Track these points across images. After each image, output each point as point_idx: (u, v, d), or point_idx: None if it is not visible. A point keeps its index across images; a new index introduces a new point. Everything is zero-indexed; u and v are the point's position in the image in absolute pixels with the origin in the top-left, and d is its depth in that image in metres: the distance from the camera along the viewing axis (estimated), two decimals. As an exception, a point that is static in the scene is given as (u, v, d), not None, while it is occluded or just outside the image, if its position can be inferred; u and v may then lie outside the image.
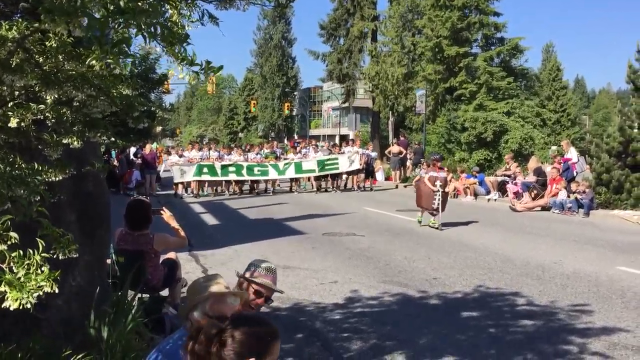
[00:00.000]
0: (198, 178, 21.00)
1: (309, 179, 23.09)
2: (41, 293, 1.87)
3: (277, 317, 6.30)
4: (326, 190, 22.55)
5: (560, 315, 6.19)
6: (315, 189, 22.48)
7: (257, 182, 22.54)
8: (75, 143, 2.51)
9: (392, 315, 6.35)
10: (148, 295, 5.32)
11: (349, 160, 22.00)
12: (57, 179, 2.59)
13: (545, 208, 15.88)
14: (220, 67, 2.28)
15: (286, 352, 5.00)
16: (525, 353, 5.05)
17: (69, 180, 2.92)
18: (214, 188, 22.22)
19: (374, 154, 24.16)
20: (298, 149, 25.92)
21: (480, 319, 6.13)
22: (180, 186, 21.35)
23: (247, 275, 3.49)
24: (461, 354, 5.07)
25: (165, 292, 5.82)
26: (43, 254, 1.97)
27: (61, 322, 3.79)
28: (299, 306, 6.68)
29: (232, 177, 21.48)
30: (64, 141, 2.50)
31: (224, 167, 21.13)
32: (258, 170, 21.61)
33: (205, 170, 20.98)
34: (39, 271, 1.90)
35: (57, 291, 1.89)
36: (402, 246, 10.42)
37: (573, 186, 15.51)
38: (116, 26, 1.90)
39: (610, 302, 6.70)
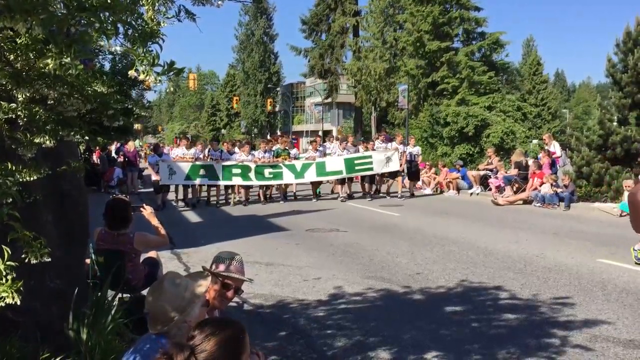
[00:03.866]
0: (192, 181, 16.56)
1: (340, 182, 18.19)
2: (3, 304, 1.82)
3: (260, 314, 6.27)
4: (351, 197, 18.12)
5: (543, 308, 6.23)
6: (342, 196, 17.81)
7: (268, 187, 17.83)
8: (48, 142, 2.45)
9: (376, 311, 6.34)
10: (129, 296, 5.26)
11: (385, 158, 17.59)
12: (31, 179, 2.53)
13: (526, 201, 15.99)
14: (182, 69, 2.24)
15: (269, 351, 4.97)
16: (508, 347, 5.06)
17: (44, 180, 2.87)
18: (209, 195, 17.48)
19: (416, 150, 19.07)
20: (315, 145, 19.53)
21: (464, 313, 6.14)
22: (162, 195, 16.54)
23: (213, 269, 3.47)
24: (445, 349, 5.07)
25: (146, 292, 5.75)
26: (8, 262, 1.91)
27: (39, 325, 3.72)
28: (282, 303, 6.65)
29: (237, 181, 16.83)
30: (37, 140, 2.44)
31: (226, 168, 16.56)
32: (270, 173, 16.99)
33: (201, 171, 16.37)
34: (3, 280, 1.84)
35: (18, 302, 1.84)
36: (386, 241, 10.43)
37: (551, 179, 15.61)
38: (77, 24, 1.85)
39: (592, 294, 6.75)
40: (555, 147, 17.99)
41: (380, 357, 4.95)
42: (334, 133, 40.56)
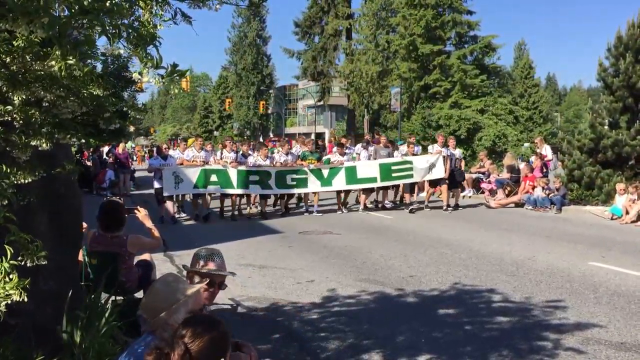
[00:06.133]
0: (202, 190, 14.05)
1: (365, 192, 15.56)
2: (9, 301, 1.83)
3: (253, 317, 6.27)
4: (384, 207, 15.82)
5: (535, 311, 6.26)
6: (362, 206, 15.46)
7: (289, 196, 15.36)
8: (44, 145, 2.45)
9: (369, 313, 6.35)
10: (122, 298, 5.24)
11: (427, 163, 15.01)
12: (26, 181, 2.53)
13: (518, 204, 16.05)
14: (186, 71, 2.25)
15: (263, 353, 4.96)
16: (501, 350, 5.09)
17: (39, 182, 2.86)
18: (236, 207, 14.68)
19: (457, 153, 16.37)
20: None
21: (457, 316, 6.16)
22: (169, 204, 13.90)
23: (198, 268, 3.48)
24: (438, 352, 5.09)
25: (140, 294, 5.74)
26: (12, 261, 1.92)
27: (33, 327, 3.70)
28: (276, 306, 6.65)
29: (255, 189, 14.36)
30: (33, 143, 2.43)
31: (241, 173, 14.12)
32: (292, 180, 14.52)
33: (213, 177, 13.95)
34: (7, 279, 1.85)
35: (25, 299, 1.84)
36: (379, 244, 10.45)
37: (542, 182, 15.67)
38: (79, 27, 1.85)
39: (583, 297, 6.79)
40: (546, 151, 18.07)
41: (373, 359, 4.96)
42: (327, 135, 40.62)
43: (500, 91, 35.44)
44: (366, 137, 19.25)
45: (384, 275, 8.09)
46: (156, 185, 14.00)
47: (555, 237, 11.03)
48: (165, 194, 13.62)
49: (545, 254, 9.35)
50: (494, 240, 10.76)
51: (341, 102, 52.49)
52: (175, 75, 2.16)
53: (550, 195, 15.17)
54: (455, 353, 5.07)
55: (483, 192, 17.66)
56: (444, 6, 32.75)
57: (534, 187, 15.84)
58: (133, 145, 46.44)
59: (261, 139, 52.53)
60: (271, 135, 62.17)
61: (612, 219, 13.42)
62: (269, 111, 68.87)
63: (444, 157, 15.12)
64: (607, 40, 16.21)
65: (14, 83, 2.24)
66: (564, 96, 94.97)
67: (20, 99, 2.30)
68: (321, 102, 50.04)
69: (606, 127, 15.91)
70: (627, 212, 13.06)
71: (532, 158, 18.08)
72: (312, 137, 38.75)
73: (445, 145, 15.75)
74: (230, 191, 14.22)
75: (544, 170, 16.89)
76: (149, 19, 2.41)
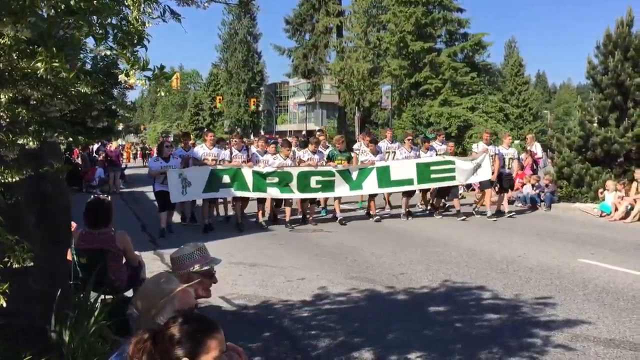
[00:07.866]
0: (213, 194, 12.21)
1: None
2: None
3: (244, 315, 6.26)
4: (408, 213, 13.64)
5: (525, 308, 6.29)
6: (404, 212, 13.55)
7: (312, 202, 13.41)
8: (31, 143, 2.43)
9: (360, 311, 6.35)
10: (112, 297, 5.22)
11: (472, 164, 13.29)
12: (13, 179, 2.51)
13: (509, 202, 16.09)
14: (173, 74, 2.24)
15: (253, 351, 4.97)
16: (491, 347, 5.10)
17: (27, 181, 2.83)
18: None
19: (510, 151, 14.42)
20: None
21: (447, 313, 6.18)
22: (163, 215, 11.79)
23: (196, 267, 3.52)
24: (429, 349, 5.10)
25: (129, 293, 5.72)
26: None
27: (22, 327, 3.68)
28: (267, 304, 6.64)
29: (273, 192, 12.43)
30: (20, 141, 2.41)
31: (258, 175, 12.21)
32: (317, 182, 12.49)
33: (226, 179, 12.03)
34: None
35: (4, 305, 1.82)
36: (369, 242, 10.45)
37: (533, 179, 15.73)
38: (65, 27, 1.83)
39: (573, 294, 6.83)
40: (537, 148, 18.14)
41: (364, 357, 4.97)
42: (318, 133, 40.58)
43: (490, 89, 35.55)
44: (388, 133, 16.25)
45: (374, 273, 8.10)
46: (157, 188, 11.85)
47: (544, 234, 11.09)
48: (172, 201, 11.65)
49: (535, 251, 9.40)
50: (484, 238, 10.80)
51: (332, 99, 52.48)
52: (162, 77, 2.14)
53: (540, 192, 15.24)
54: (446, 351, 5.08)
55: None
56: (434, 4, 32.78)
57: (523, 185, 15.90)
58: (122, 143, 46.15)
59: (252, 137, 52.30)
60: (262, 133, 62.04)
61: (601, 216, 13.51)
62: (260, 108, 68.70)
63: (491, 156, 13.44)
64: (597, 39, 16.27)
65: (0, 81, 2.22)
66: (553, 94, 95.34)
67: (6, 97, 2.28)
68: (312, 100, 50.05)
69: (595, 124, 15.99)
70: (616, 209, 13.15)
71: (522, 155, 18.13)
72: (304, 134, 38.74)
73: (492, 142, 14.25)
74: (245, 194, 12.38)
75: (534, 167, 16.95)
76: (137, 17, 2.40)
